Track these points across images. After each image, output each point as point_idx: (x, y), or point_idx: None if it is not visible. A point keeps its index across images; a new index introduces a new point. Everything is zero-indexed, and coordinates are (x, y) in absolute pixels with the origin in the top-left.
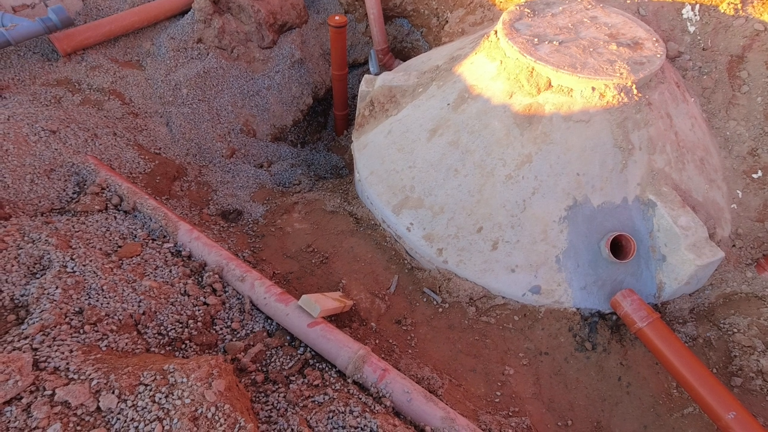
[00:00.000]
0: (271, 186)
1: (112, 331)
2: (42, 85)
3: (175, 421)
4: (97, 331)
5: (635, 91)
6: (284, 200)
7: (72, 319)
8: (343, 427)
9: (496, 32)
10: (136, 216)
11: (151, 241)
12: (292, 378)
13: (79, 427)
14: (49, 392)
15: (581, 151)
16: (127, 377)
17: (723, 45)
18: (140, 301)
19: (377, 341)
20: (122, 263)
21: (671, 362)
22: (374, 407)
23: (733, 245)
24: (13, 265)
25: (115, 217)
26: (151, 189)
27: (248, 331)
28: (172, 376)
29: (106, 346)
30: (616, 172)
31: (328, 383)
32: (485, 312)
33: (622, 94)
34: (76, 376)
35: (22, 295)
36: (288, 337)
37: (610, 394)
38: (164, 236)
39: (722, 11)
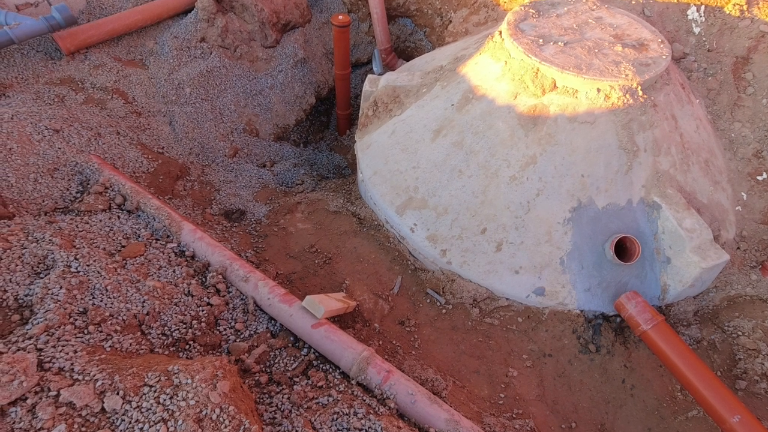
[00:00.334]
0: (274, 186)
1: (116, 332)
2: (45, 84)
3: (180, 422)
4: (101, 332)
5: (640, 93)
6: (287, 200)
7: (76, 320)
8: (348, 429)
9: (500, 33)
10: (139, 216)
11: (154, 241)
12: (296, 379)
13: (83, 428)
14: (54, 393)
15: (586, 152)
16: (131, 378)
17: (728, 46)
18: (144, 302)
19: (380, 342)
20: (126, 263)
21: (676, 365)
22: (378, 409)
23: (738, 247)
24: (17, 265)
25: (119, 217)
26: (154, 188)
27: (252, 332)
28: (176, 378)
29: (110, 346)
30: (621, 174)
31: (332, 385)
32: (489, 313)
33: (627, 95)
34: (80, 377)
35: (26, 295)
36: (292, 338)
37: (614, 397)
38: (168, 236)
39: (727, 12)
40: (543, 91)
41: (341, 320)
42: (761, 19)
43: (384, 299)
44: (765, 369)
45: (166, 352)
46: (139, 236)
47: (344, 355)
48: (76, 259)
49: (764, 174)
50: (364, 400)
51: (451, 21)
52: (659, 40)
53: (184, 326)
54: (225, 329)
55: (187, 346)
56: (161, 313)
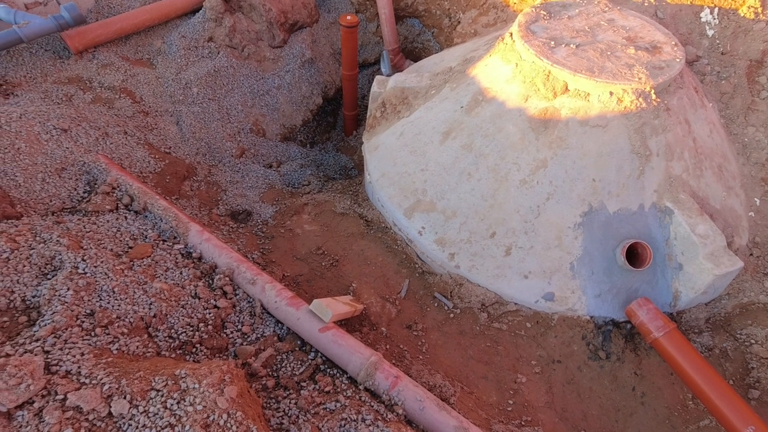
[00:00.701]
0: (281, 186)
1: (123, 334)
2: (53, 83)
3: (187, 428)
4: (108, 334)
5: (654, 97)
6: (294, 201)
7: (83, 322)
8: None
9: (511, 34)
10: (146, 216)
11: (161, 242)
12: (303, 384)
13: None
14: (61, 397)
15: (598, 156)
16: (138, 382)
17: (742, 49)
18: (151, 304)
19: (388, 346)
20: (133, 264)
21: (688, 373)
22: (386, 415)
23: (751, 254)
24: (24, 266)
25: (126, 218)
26: (161, 188)
27: (259, 335)
28: (183, 382)
29: (117, 349)
30: (633, 179)
31: (339, 390)
32: (497, 318)
33: (640, 99)
34: (87, 381)
35: (33, 296)
36: (299, 342)
37: (624, 405)
38: (175, 237)
39: (742, 15)
40: (554, 94)
41: (348, 324)
42: None
43: (391, 303)
44: None
45: (173, 355)
46: (146, 237)
47: (352, 360)
48: (83, 260)
49: None
50: (372, 406)
51: (459, 22)
52: (673, 42)
53: (191, 329)
54: (232, 332)
55: (194, 349)
56: (168, 316)
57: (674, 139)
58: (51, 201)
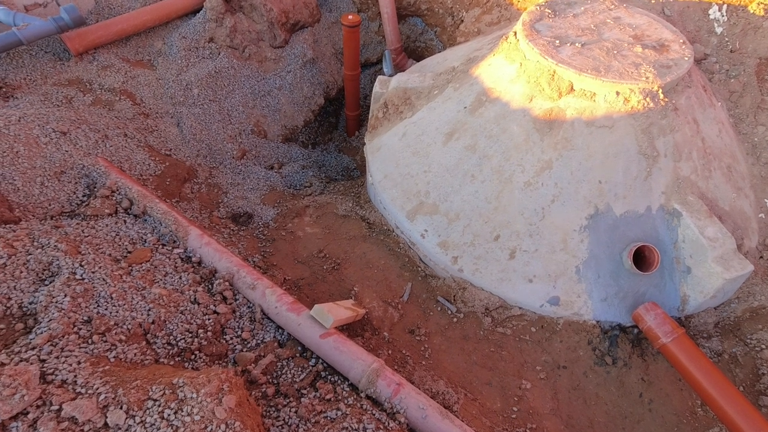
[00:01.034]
0: (282, 188)
1: (121, 342)
2: (53, 85)
3: None
4: (105, 341)
5: (661, 96)
6: (295, 203)
7: (80, 329)
8: None
9: (515, 33)
10: (146, 220)
11: (161, 246)
12: (304, 391)
13: None
14: (56, 407)
15: (604, 157)
16: (135, 391)
17: (752, 47)
18: (149, 310)
19: (390, 352)
20: (132, 269)
21: (697, 380)
22: (388, 424)
23: (761, 256)
24: (21, 272)
25: (125, 221)
26: (161, 191)
27: (259, 341)
28: (181, 391)
29: (114, 357)
30: (640, 180)
31: (340, 397)
32: (501, 323)
33: (647, 99)
34: (83, 390)
35: (30, 303)
36: (299, 348)
37: (632, 411)
38: (174, 241)
39: (751, 12)
40: (559, 93)
41: (350, 328)
42: None
43: (394, 307)
44: None
45: (172, 363)
46: (145, 241)
47: (353, 367)
48: (81, 265)
49: None
50: (374, 414)
51: (462, 20)
52: (680, 40)
53: (190, 335)
54: (231, 338)
55: (193, 356)
56: (167, 322)
57: (682, 140)
58: (50, 205)
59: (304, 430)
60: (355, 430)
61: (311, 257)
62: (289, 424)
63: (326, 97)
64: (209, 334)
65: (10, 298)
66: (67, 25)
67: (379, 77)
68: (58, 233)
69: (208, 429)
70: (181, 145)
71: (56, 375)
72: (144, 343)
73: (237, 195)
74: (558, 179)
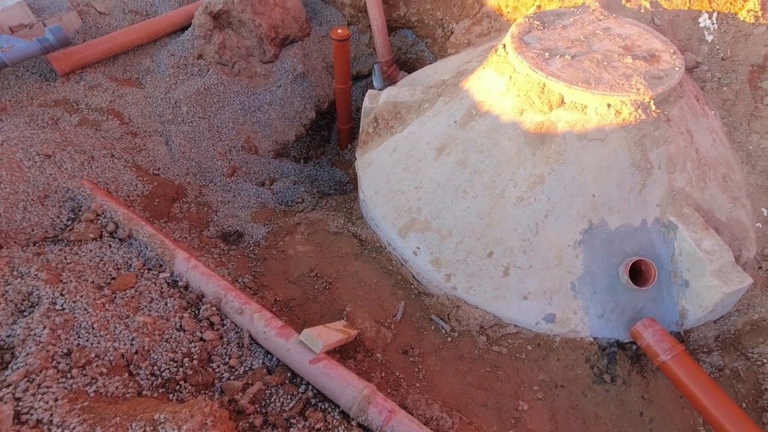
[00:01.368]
0: (274, 205)
1: (102, 374)
2: (39, 106)
3: None
4: (85, 375)
5: (653, 108)
6: (286, 221)
7: (59, 363)
8: None
9: (504, 46)
10: (131, 244)
11: (146, 270)
12: (293, 421)
13: None
14: None
15: (597, 171)
16: (114, 429)
17: (743, 54)
18: (133, 339)
19: (383, 374)
20: (115, 297)
21: (698, 398)
22: None
23: (759, 267)
24: (0, 303)
25: (110, 246)
26: (149, 212)
27: (247, 368)
28: (162, 428)
29: (94, 391)
30: (634, 193)
31: (330, 426)
32: (496, 341)
33: (639, 110)
34: (59, 430)
35: (8, 336)
36: (289, 374)
37: (632, 431)
38: (160, 265)
39: (741, 19)
40: (550, 107)
41: (342, 350)
42: None
43: (386, 327)
44: None
45: (155, 395)
46: (130, 266)
47: (344, 393)
48: (62, 295)
49: None
50: None
51: (453, 32)
52: (671, 50)
53: (175, 365)
54: (218, 366)
55: (178, 387)
56: (151, 351)
57: (676, 151)
58: (33, 230)
59: None
60: None
61: (303, 276)
62: None
63: (318, 110)
64: (195, 362)
65: None
66: (52, 45)
67: (369, 91)
68: (39, 261)
69: None
70: (170, 163)
71: (31, 414)
72: (126, 374)
73: (227, 213)
74: (551, 194)
